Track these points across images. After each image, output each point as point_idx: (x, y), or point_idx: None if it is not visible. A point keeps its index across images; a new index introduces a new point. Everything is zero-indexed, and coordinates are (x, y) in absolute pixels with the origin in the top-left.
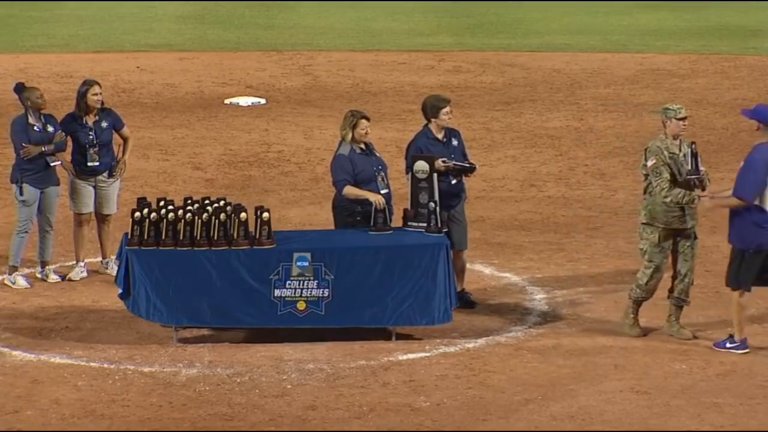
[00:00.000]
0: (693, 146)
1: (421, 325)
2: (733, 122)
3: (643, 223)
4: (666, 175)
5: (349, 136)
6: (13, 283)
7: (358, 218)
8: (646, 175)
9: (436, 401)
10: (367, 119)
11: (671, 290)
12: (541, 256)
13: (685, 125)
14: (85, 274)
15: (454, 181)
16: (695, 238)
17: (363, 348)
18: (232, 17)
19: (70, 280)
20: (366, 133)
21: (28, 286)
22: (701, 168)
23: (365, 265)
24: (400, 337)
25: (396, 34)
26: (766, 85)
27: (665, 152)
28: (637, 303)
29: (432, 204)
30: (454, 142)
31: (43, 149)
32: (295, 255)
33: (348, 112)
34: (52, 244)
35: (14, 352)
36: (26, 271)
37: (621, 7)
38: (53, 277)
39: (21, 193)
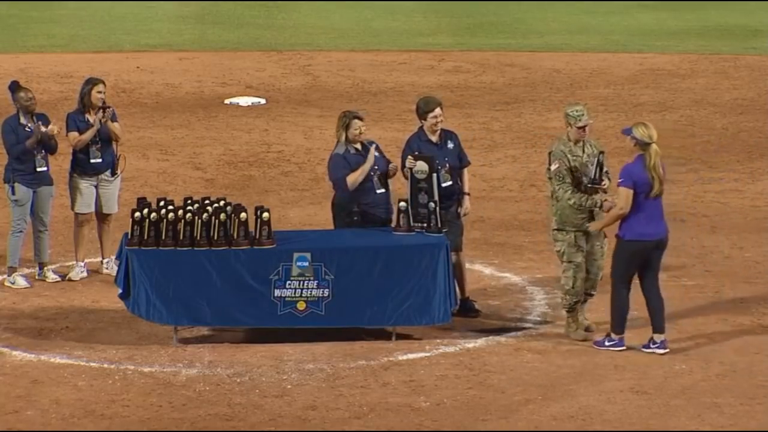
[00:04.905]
0: (601, 156)
1: (421, 325)
2: (733, 122)
3: (554, 230)
4: (569, 180)
5: (343, 136)
6: (13, 284)
7: (356, 218)
8: (550, 179)
9: (436, 401)
10: (360, 119)
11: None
12: (541, 256)
13: (584, 134)
14: (85, 274)
15: (447, 183)
16: (605, 237)
17: (363, 348)
18: (232, 17)
19: (69, 280)
20: (360, 134)
21: (28, 286)
22: (604, 179)
23: (365, 265)
24: (400, 337)
25: (396, 34)
26: (766, 85)
27: (568, 156)
28: (572, 310)
29: (432, 204)
30: (450, 145)
31: (26, 144)
32: (295, 255)
33: (341, 113)
34: (50, 245)
35: (14, 352)
36: (26, 271)
37: (621, 7)
38: (53, 277)
39: (13, 193)
